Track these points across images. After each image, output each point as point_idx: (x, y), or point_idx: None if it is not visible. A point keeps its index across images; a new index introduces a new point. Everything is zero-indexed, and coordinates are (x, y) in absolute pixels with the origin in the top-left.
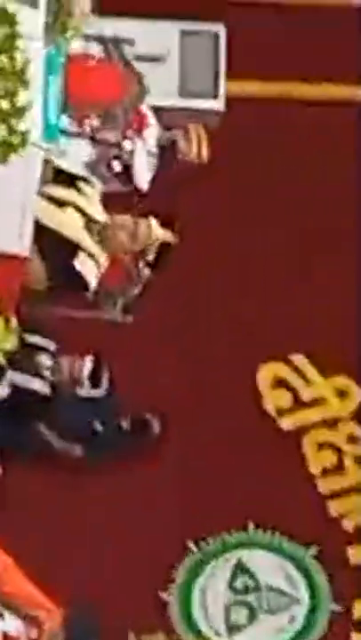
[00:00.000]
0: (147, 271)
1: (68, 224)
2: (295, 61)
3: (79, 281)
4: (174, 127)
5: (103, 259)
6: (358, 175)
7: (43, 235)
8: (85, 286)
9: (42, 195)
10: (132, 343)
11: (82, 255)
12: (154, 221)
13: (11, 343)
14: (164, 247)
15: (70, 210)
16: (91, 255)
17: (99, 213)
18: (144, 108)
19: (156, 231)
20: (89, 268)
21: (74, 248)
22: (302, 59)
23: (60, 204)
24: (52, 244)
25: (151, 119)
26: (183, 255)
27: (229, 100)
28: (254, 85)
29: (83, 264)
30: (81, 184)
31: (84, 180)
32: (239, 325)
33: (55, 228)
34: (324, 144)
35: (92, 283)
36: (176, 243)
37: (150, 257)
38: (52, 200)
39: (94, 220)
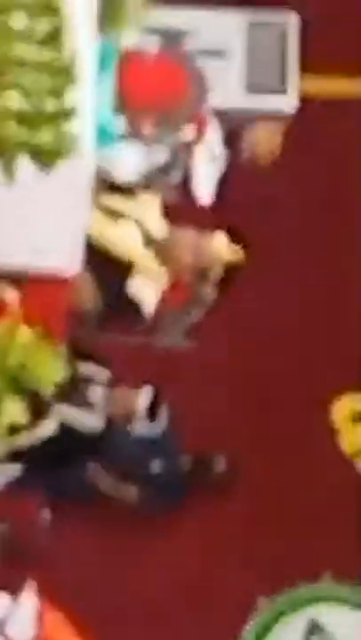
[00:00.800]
0: (211, 293)
1: (124, 240)
2: None
3: (135, 304)
4: (241, 128)
5: (164, 279)
6: None
7: (95, 251)
8: (142, 310)
9: (95, 206)
10: (194, 373)
11: (139, 275)
12: (220, 237)
13: (59, 372)
14: (231, 266)
15: (127, 223)
16: (149, 275)
17: (159, 227)
18: (206, 109)
19: (223, 248)
20: (147, 290)
21: (130, 267)
22: None
23: (116, 216)
24: (105, 262)
25: (214, 122)
26: (252, 275)
27: (303, 99)
28: (333, 82)
29: (139, 285)
30: (140, 194)
31: (143, 188)
32: (311, 354)
33: (109, 245)
34: None
35: (150, 306)
36: (244, 261)
37: (215, 277)
38: (107, 212)
39: (154, 235)
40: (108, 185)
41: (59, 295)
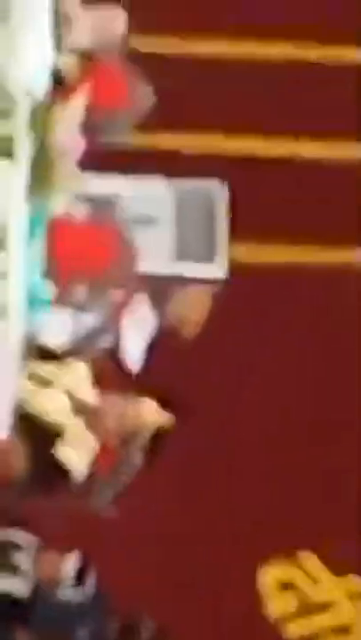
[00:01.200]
0: (139, 457)
1: (53, 407)
2: (300, 222)
3: (64, 469)
4: (169, 294)
5: (93, 444)
6: None
7: (24, 417)
8: (71, 475)
9: (24, 372)
10: (122, 538)
11: (67, 441)
12: (148, 402)
13: None
14: (159, 431)
15: (56, 390)
16: (78, 441)
17: (88, 394)
18: (136, 275)
19: (149, 414)
20: (76, 456)
21: (58, 433)
22: (308, 219)
23: (45, 383)
24: (33, 428)
25: (143, 287)
26: (180, 439)
27: (231, 267)
28: (257, 249)
29: (67, 451)
30: (69, 360)
31: (73, 355)
32: (240, 520)
33: (38, 411)
34: (329, 314)
35: (79, 471)
36: (172, 426)
37: (143, 442)
38: (36, 379)
39: (83, 402)
40: (37, 350)
41: None
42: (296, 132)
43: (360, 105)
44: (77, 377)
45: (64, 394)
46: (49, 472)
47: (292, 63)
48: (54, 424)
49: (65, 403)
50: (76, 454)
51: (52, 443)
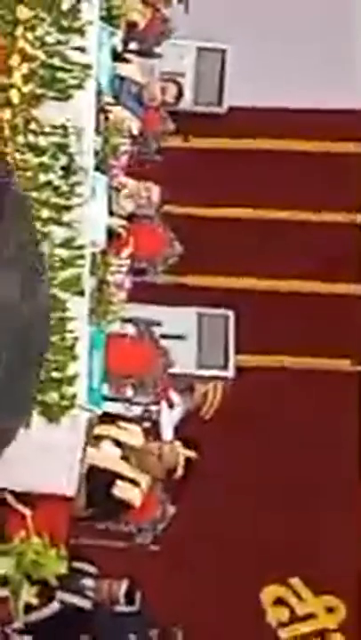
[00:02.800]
0: (172, 510)
1: (105, 456)
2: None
3: (120, 507)
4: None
5: (144, 481)
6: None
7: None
8: (127, 509)
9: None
10: (160, 567)
11: (120, 482)
12: (178, 443)
13: (61, 568)
14: (189, 462)
15: (107, 442)
16: (131, 480)
17: (135, 440)
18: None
19: (179, 448)
20: (130, 493)
21: (113, 477)
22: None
23: (97, 438)
24: (91, 476)
25: (174, 384)
26: (197, 484)
27: (238, 369)
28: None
29: (122, 491)
30: (120, 421)
31: (125, 419)
32: (247, 555)
33: (92, 462)
34: (322, 412)
35: (134, 505)
36: (197, 461)
37: (180, 472)
38: (93, 437)
39: (130, 447)
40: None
41: (61, 511)
42: (296, 274)
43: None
44: (127, 430)
45: (115, 445)
46: (107, 510)
47: (293, 223)
48: (108, 470)
49: (116, 452)
50: (129, 491)
51: (109, 486)
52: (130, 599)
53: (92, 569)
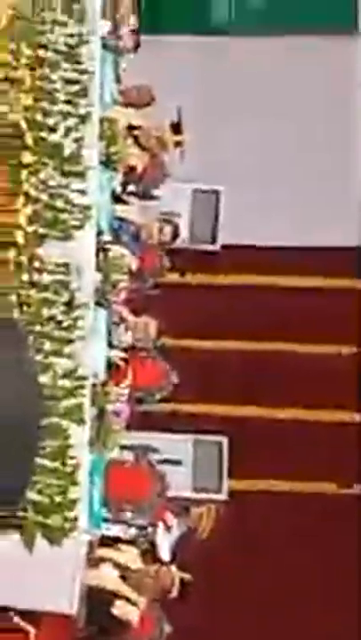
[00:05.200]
0: (168, 628)
1: (105, 577)
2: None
3: (119, 626)
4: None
5: (142, 601)
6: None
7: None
8: (126, 627)
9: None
10: None
11: (119, 602)
12: (173, 568)
13: None
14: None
15: (106, 564)
16: (129, 600)
17: (132, 562)
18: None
19: (175, 574)
20: (129, 612)
21: (112, 597)
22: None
23: (96, 559)
24: (91, 595)
25: (171, 507)
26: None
27: (231, 493)
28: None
29: (121, 610)
30: (119, 544)
31: (124, 542)
32: None
33: (93, 583)
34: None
35: (134, 622)
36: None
37: (174, 593)
38: (90, 560)
39: (128, 569)
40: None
41: (62, 629)
42: (288, 403)
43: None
44: (125, 553)
45: (114, 566)
46: (110, 625)
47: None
48: (109, 590)
49: (115, 573)
50: (129, 610)
51: (108, 605)
52: None
53: None
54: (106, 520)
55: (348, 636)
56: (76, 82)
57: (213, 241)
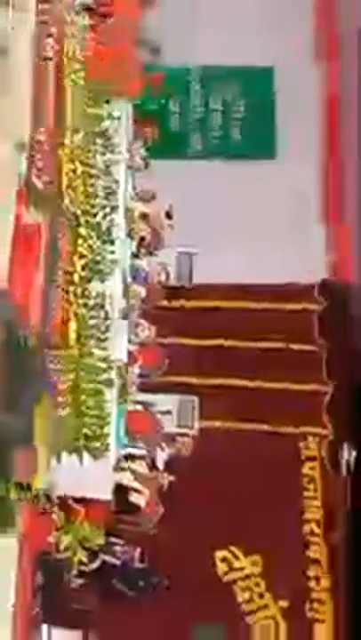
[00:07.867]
0: (161, 510)
1: (125, 478)
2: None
3: (134, 507)
4: (175, 440)
5: (146, 493)
6: None
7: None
8: (138, 508)
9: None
10: (161, 543)
11: (135, 493)
12: (165, 474)
13: (101, 540)
14: (170, 482)
15: (126, 471)
16: (138, 491)
17: (142, 469)
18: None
19: (166, 476)
20: (138, 498)
21: (129, 489)
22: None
23: (121, 468)
24: (118, 489)
25: (163, 439)
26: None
27: (200, 429)
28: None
29: (134, 497)
30: (134, 458)
31: (137, 457)
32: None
33: (119, 481)
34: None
35: (142, 504)
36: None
37: (165, 488)
38: (117, 468)
39: (140, 474)
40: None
41: (101, 508)
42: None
43: None
44: (137, 464)
45: (130, 472)
46: (129, 507)
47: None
48: (127, 485)
49: (131, 477)
50: (139, 498)
51: (127, 494)
52: (141, 559)
53: (120, 541)
54: (126, 445)
55: (289, 531)
56: (110, 187)
57: (190, 281)
